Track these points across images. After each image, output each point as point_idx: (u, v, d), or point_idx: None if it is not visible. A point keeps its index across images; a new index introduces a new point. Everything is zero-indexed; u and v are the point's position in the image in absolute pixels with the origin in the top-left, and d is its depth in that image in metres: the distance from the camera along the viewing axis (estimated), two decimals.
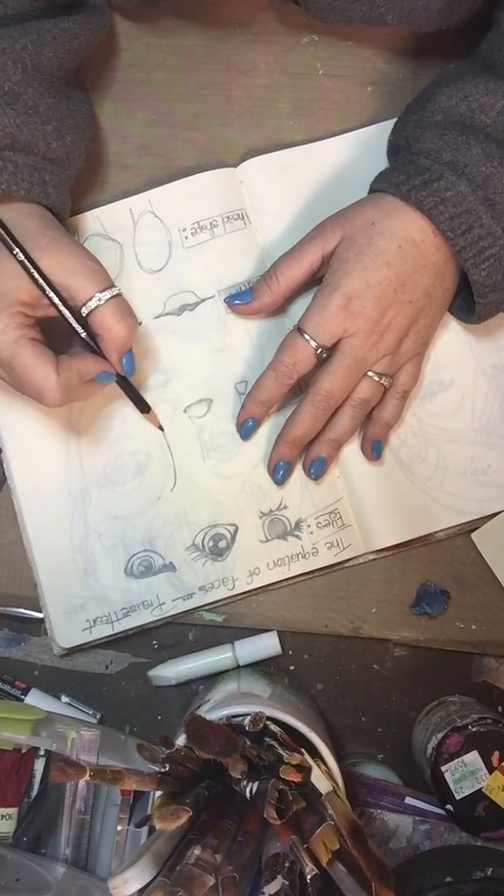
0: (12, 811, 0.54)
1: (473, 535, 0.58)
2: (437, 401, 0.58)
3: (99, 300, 0.48)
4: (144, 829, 0.53)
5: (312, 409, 0.53)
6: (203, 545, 0.57)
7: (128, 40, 0.60)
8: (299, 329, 0.52)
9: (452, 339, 0.58)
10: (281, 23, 0.60)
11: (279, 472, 0.55)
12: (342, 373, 0.52)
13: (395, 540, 0.56)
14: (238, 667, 0.58)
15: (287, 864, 0.40)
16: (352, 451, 0.57)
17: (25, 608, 0.59)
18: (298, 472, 0.57)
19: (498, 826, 0.52)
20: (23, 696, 0.59)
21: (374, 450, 0.56)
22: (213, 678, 0.58)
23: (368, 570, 0.59)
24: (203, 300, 0.58)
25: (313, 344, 0.51)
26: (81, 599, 0.56)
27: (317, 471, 0.55)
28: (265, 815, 0.39)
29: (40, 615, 0.59)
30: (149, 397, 0.57)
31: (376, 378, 0.53)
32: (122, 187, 0.60)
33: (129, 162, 0.60)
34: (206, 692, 0.55)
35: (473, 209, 0.48)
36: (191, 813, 0.40)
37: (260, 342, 0.58)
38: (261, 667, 0.59)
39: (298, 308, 0.57)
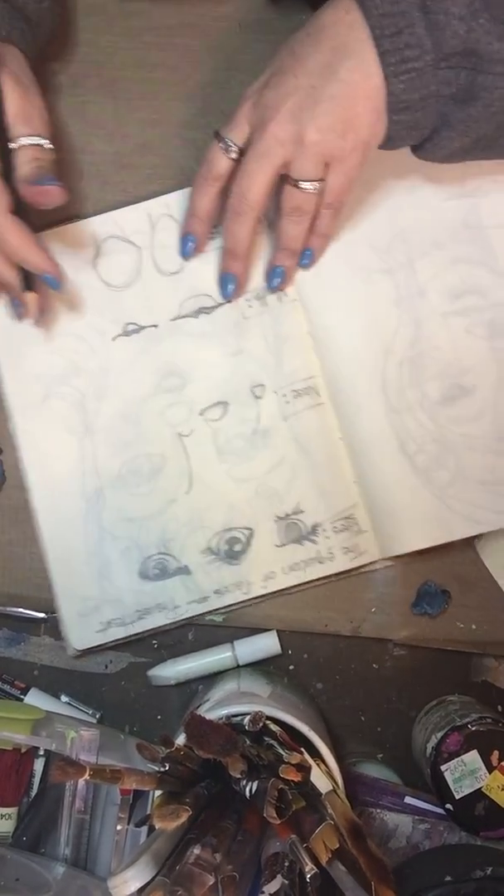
0: (12, 811, 0.54)
1: (477, 544, 0.58)
2: (457, 406, 0.56)
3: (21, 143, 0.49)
4: (144, 829, 0.53)
5: (233, 216, 0.52)
6: (218, 548, 0.56)
7: (128, 40, 0.60)
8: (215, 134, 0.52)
9: (474, 343, 0.56)
10: (281, 21, 0.60)
11: (227, 286, 0.56)
12: (249, 167, 0.50)
13: (411, 548, 0.55)
14: (238, 666, 0.58)
15: (287, 864, 0.41)
16: (365, 455, 0.56)
17: (25, 608, 0.59)
18: (312, 476, 0.56)
19: (497, 825, 0.52)
20: (22, 696, 0.59)
21: (302, 257, 0.55)
22: (212, 678, 0.58)
23: (369, 569, 0.58)
24: (220, 304, 0.58)
25: (221, 145, 0.51)
26: (96, 601, 0.56)
27: (274, 280, 0.56)
28: (265, 815, 0.39)
29: (40, 615, 0.59)
30: (164, 399, 0.57)
31: (295, 185, 0.50)
32: (121, 186, 0.60)
33: (129, 161, 0.60)
34: (206, 692, 0.55)
35: (409, 13, 0.44)
36: (190, 812, 0.40)
37: (276, 346, 0.58)
38: (260, 666, 0.59)
39: (318, 315, 0.56)
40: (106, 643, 0.56)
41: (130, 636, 0.56)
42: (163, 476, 0.57)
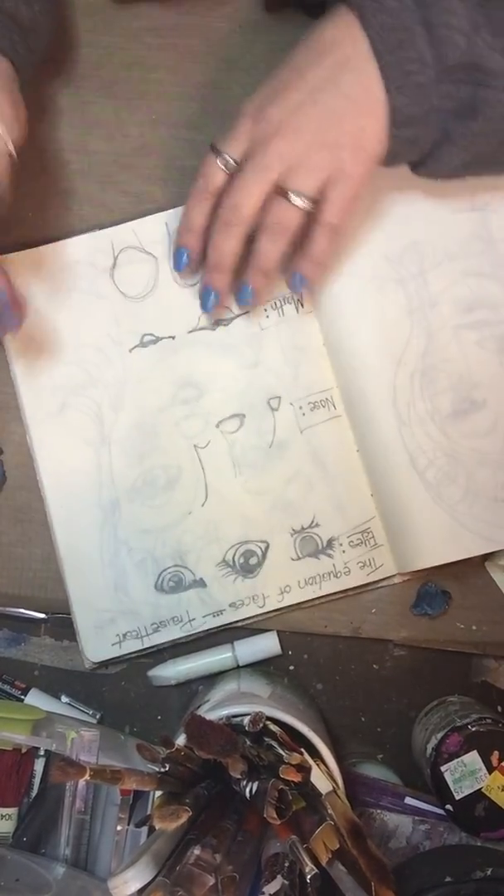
0: (12, 811, 0.54)
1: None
2: (468, 420, 0.55)
3: None
4: (144, 829, 0.53)
5: (221, 228, 0.50)
6: (233, 561, 0.56)
7: (127, 40, 0.60)
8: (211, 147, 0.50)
9: (485, 357, 0.56)
10: (280, 23, 0.60)
11: (208, 300, 0.54)
12: (246, 180, 0.48)
13: (425, 564, 0.54)
14: (238, 667, 0.58)
15: (287, 864, 0.40)
16: (378, 468, 0.55)
17: (25, 608, 0.59)
18: (328, 489, 0.56)
19: (497, 826, 0.52)
20: (23, 696, 0.59)
21: (292, 281, 0.53)
22: (212, 678, 0.58)
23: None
24: (237, 315, 0.58)
25: (220, 161, 0.49)
26: (111, 614, 0.56)
27: (242, 298, 0.53)
28: (265, 815, 0.39)
29: (41, 615, 0.59)
30: (181, 411, 0.57)
31: (284, 196, 0.48)
32: (121, 187, 0.60)
33: (129, 162, 0.60)
34: (206, 692, 0.55)
35: (410, 27, 0.44)
36: (190, 813, 0.40)
37: (293, 358, 0.57)
38: (261, 667, 0.59)
39: (331, 324, 0.56)
40: (122, 656, 0.56)
41: (146, 649, 0.56)
42: (179, 488, 0.57)
